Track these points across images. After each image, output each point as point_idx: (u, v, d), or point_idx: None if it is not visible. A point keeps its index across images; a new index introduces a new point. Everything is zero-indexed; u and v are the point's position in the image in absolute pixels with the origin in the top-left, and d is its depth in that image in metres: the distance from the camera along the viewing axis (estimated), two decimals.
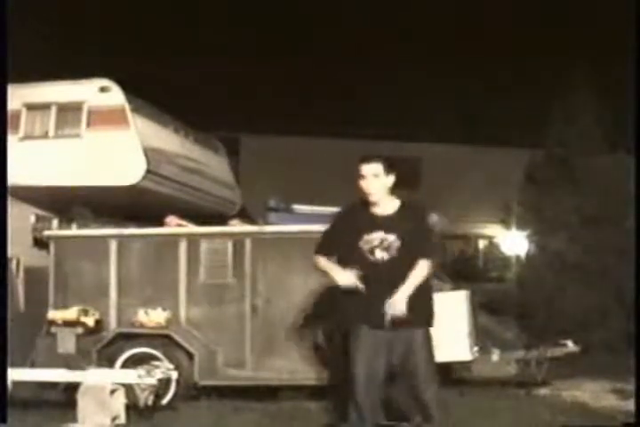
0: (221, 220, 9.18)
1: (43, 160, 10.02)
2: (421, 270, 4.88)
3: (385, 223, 4.91)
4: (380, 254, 4.87)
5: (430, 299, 4.99)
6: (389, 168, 4.96)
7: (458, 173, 18.26)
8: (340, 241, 4.98)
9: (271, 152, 18.76)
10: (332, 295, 7.19)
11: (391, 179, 4.97)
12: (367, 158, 5.00)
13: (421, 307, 4.88)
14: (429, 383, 4.83)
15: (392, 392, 5.01)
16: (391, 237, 4.86)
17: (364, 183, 4.94)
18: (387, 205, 4.97)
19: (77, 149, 10.06)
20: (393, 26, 22.28)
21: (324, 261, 5.02)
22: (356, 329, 4.93)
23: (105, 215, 9.46)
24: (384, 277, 4.83)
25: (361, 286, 4.82)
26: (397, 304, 4.76)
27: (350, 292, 4.89)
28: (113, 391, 6.24)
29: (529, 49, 20.45)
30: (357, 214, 5.02)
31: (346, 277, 4.84)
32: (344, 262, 4.96)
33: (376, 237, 4.87)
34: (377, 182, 4.93)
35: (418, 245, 4.88)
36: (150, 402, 6.85)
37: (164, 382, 7.10)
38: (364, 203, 4.99)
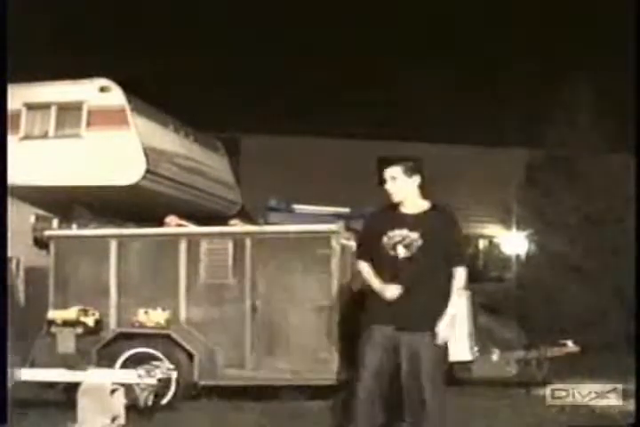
0: (221, 220, 9.17)
1: (43, 160, 10.03)
2: (460, 280, 4.94)
3: (410, 221, 4.94)
4: (401, 251, 4.89)
5: (446, 302, 4.98)
6: (410, 170, 5.00)
7: (458, 173, 18.25)
8: (371, 241, 5.01)
9: (271, 152, 18.74)
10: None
11: (415, 180, 5.01)
12: (384, 161, 5.04)
13: (435, 309, 4.87)
14: (434, 385, 4.83)
15: (394, 392, 4.99)
16: (414, 235, 4.88)
17: (386, 185, 4.99)
18: (414, 205, 5.02)
19: (77, 149, 10.07)
20: (393, 26, 22.27)
21: (366, 269, 5.07)
22: (368, 328, 4.94)
23: (105, 215, 9.46)
24: (401, 274, 4.86)
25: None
26: (441, 333, 4.82)
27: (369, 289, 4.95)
28: (113, 391, 6.24)
29: (529, 49, 20.44)
30: (386, 213, 5.08)
31: (390, 291, 4.85)
32: (370, 258, 5.02)
33: (399, 233, 4.91)
34: (395, 184, 4.98)
35: (449, 251, 4.91)
36: (150, 402, 6.84)
37: (164, 382, 7.10)
38: (394, 203, 5.03)
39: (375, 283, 4.93)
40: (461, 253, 5.06)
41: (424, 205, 5.05)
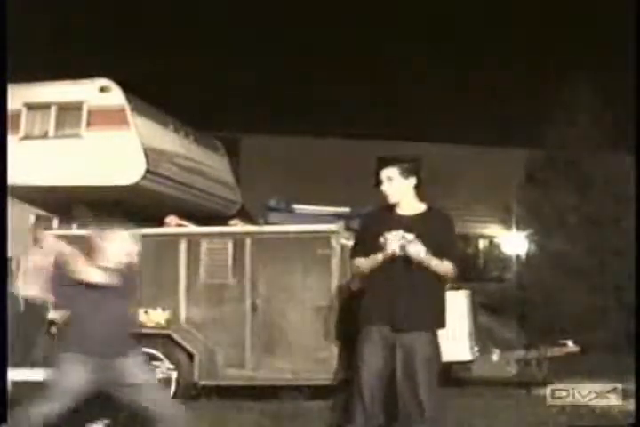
0: (221, 220, 9.17)
1: (43, 160, 10.02)
2: (443, 265, 4.87)
3: (405, 223, 4.93)
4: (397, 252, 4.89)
5: (440, 304, 4.98)
6: (407, 171, 4.99)
7: (458, 173, 18.27)
8: (368, 242, 5.02)
9: (271, 152, 18.76)
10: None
11: (411, 181, 5.01)
12: (381, 162, 5.04)
13: (429, 310, 4.87)
14: (429, 385, 4.82)
15: (390, 393, 4.99)
16: (409, 237, 4.87)
17: (382, 186, 5.00)
18: (410, 207, 5.01)
19: (77, 149, 10.06)
20: (393, 25, 22.29)
21: (362, 261, 5.04)
22: (366, 328, 4.94)
23: (105, 215, 9.45)
24: (398, 274, 4.86)
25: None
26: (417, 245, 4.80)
27: (366, 289, 4.94)
28: None
29: (529, 49, 20.46)
30: (382, 214, 5.07)
31: (392, 246, 4.83)
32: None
33: (395, 234, 4.89)
34: (391, 185, 4.98)
35: (442, 253, 4.89)
36: None
37: (164, 382, 7.10)
38: (390, 205, 5.02)
39: (379, 256, 4.90)
40: (454, 256, 5.02)
41: (420, 206, 5.04)
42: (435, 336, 4.94)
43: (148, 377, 4.96)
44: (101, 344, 4.77)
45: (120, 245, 4.87)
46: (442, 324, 5.01)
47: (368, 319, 4.97)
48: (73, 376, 4.70)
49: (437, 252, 4.87)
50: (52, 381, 4.73)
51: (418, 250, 4.78)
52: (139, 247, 5.02)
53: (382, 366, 4.88)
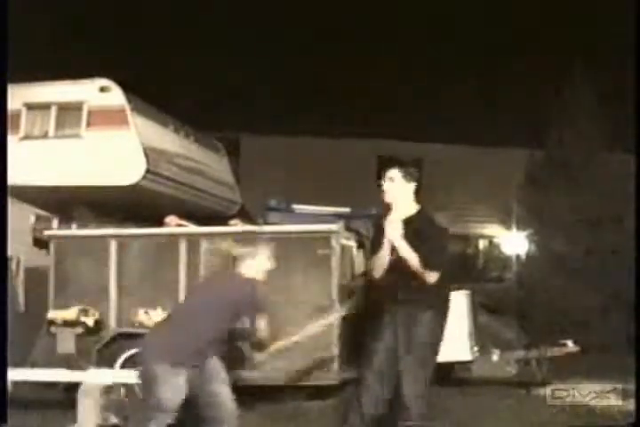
0: (221, 220, 9.17)
1: (43, 160, 10.03)
2: (428, 273, 4.89)
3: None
4: (394, 251, 5.00)
5: (433, 302, 5.00)
6: (409, 175, 5.11)
7: (458, 173, 18.27)
8: (376, 243, 5.15)
9: (271, 152, 18.76)
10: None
11: (412, 185, 5.12)
12: (384, 162, 5.17)
13: (419, 309, 4.90)
14: (416, 383, 4.84)
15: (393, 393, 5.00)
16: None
17: (383, 184, 5.16)
18: (403, 209, 5.09)
19: (77, 149, 10.06)
20: (393, 26, 22.29)
21: (376, 259, 5.12)
22: (373, 326, 5.00)
23: (105, 215, 9.46)
24: (391, 272, 4.97)
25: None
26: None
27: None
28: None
29: (529, 49, 20.46)
30: (385, 216, 5.14)
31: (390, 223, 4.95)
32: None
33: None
34: (391, 185, 5.10)
35: (425, 256, 4.91)
36: None
37: None
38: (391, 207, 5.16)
39: (385, 248, 5.01)
40: (438, 261, 5.02)
41: (412, 209, 5.12)
42: (438, 317, 4.95)
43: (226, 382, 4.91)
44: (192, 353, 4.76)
45: (261, 262, 5.12)
46: (444, 311, 5.02)
47: (373, 314, 5.05)
48: (175, 389, 4.65)
49: (423, 256, 4.90)
50: (155, 395, 4.67)
51: (394, 230, 4.91)
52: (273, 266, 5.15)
53: (383, 367, 4.91)
